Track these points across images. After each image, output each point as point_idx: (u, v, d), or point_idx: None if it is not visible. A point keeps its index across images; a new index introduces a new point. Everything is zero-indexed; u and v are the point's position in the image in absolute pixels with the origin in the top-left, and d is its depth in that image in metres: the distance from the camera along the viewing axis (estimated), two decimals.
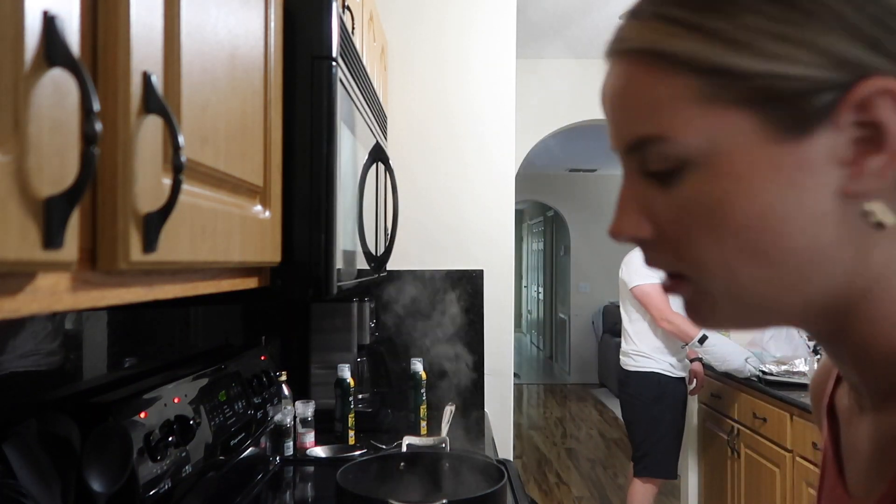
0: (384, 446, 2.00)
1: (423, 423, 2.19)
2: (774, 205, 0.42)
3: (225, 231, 0.67)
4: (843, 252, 0.43)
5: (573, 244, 8.48)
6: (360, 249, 1.29)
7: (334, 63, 0.97)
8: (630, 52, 0.46)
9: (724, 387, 3.35)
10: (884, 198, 0.42)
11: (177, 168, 0.49)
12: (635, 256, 3.09)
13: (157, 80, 0.49)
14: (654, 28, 0.44)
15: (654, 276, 3.40)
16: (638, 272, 3.10)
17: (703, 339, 3.07)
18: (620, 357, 3.36)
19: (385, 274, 2.14)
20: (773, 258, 0.43)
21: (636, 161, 0.47)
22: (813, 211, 0.42)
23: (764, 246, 0.43)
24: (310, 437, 1.98)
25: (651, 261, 0.48)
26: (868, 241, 0.43)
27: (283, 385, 1.86)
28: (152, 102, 0.49)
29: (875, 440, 0.49)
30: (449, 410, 2.01)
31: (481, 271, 2.53)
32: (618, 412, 6.92)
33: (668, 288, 0.48)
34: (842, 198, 0.42)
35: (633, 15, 0.47)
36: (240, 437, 1.40)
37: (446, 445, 1.74)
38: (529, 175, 7.40)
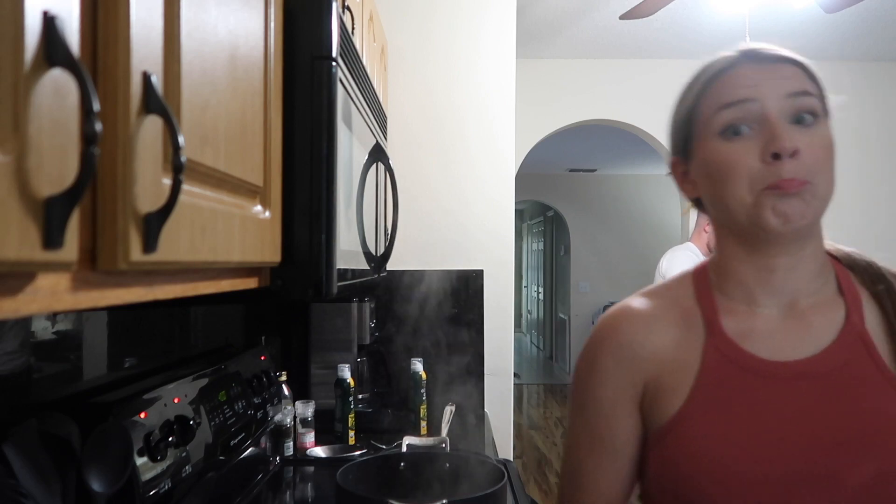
0: (384, 446, 2.00)
1: (423, 423, 2.19)
2: (835, 160, 0.77)
3: (225, 231, 0.67)
4: None
5: (573, 244, 8.48)
6: (360, 249, 1.29)
7: (334, 63, 0.97)
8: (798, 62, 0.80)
9: None
10: None
11: (177, 168, 0.49)
12: (680, 253, 3.11)
13: (157, 80, 0.49)
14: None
15: None
16: (682, 269, 3.14)
17: None
18: None
19: (385, 274, 2.14)
20: (831, 179, 0.76)
21: (790, 106, 0.75)
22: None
23: (833, 171, 0.76)
24: (310, 438, 1.98)
25: (789, 171, 0.72)
26: None
27: (283, 385, 1.86)
28: (152, 102, 0.49)
29: (798, 309, 0.80)
30: (449, 410, 2.01)
31: (481, 271, 2.53)
32: None
33: (797, 184, 0.72)
34: None
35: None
36: (240, 437, 1.40)
37: (446, 445, 1.74)
38: (529, 175, 7.40)
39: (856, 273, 0.83)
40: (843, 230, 4.07)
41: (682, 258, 3.08)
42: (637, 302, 0.87)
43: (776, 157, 0.72)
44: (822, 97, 0.79)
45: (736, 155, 0.75)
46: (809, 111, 0.75)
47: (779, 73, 0.77)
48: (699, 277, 0.86)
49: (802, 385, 0.76)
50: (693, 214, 3.41)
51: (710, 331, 0.80)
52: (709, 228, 3.14)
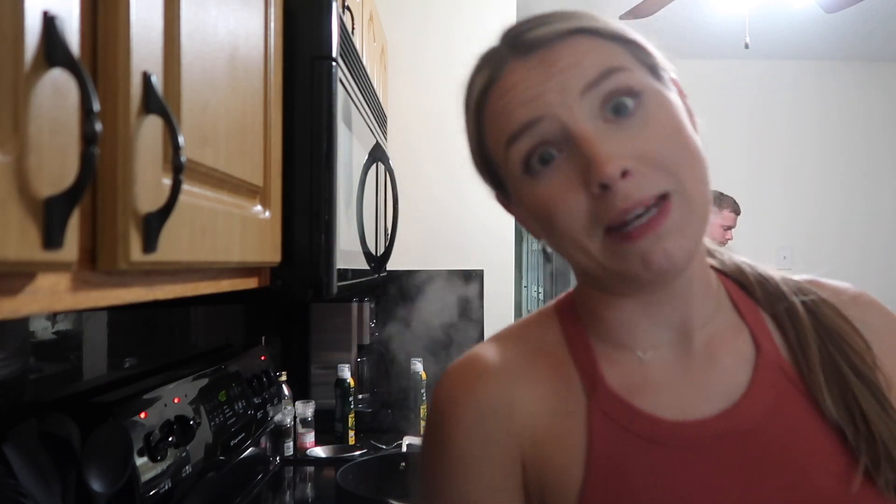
0: (384, 446, 2.00)
1: (423, 423, 2.19)
2: (692, 135, 0.57)
3: (225, 231, 0.67)
4: None
5: None
6: (360, 249, 1.29)
7: (334, 63, 0.97)
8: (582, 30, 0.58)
9: None
10: None
11: (177, 168, 0.49)
12: None
13: (157, 80, 0.49)
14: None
15: None
16: None
17: None
18: None
19: (385, 274, 2.14)
20: (703, 161, 0.57)
21: (597, 99, 0.55)
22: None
23: (698, 154, 0.57)
24: (310, 437, 1.98)
25: (625, 197, 0.52)
26: None
27: (283, 385, 1.86)
28: (152, 102, 0.49)
29: (695, 356, 0.61)
30: None
31: (481, 271, 2.53)
32: None
33: (660, 212, 0.53)
34: None
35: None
36: (240, 437, 1.40)
37: None
38: None
39: (748, 290, 0.65)
40: (848, 233, 4.06)
41: None
42: (490, 351, 0.64)
43: (604, 188, 0.52)
44: (640, 58, 0.57)
45: (554, 192, 0.55)
46: (627, 91, 0.54)
47: (562, 59, 0.55)
48: (565, 316, 0.66)
49: (724, 449, 0.56)
50: None
51: (590, 388, 0.60)
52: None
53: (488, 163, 0.62)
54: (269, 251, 0.84)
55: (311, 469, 1.90)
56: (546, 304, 0.69)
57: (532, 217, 0.59)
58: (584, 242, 0.55)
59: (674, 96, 0.58)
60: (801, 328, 0.61)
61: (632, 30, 0.60)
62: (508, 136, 0.56)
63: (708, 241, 0.64)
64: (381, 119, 1.80)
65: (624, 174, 0.52)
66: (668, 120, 0.56)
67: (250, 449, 1.56)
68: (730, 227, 3.02)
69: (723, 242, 2.94)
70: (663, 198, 0.53)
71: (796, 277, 0.66)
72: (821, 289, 0.65)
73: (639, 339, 0.61)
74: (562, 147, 0.55)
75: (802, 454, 0.56)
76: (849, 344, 0.60)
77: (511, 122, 0.56)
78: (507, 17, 2.58)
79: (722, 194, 2.99)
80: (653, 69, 0.58)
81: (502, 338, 0.66)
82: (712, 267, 0.65)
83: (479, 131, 0.62)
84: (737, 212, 3.02)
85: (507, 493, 0.60)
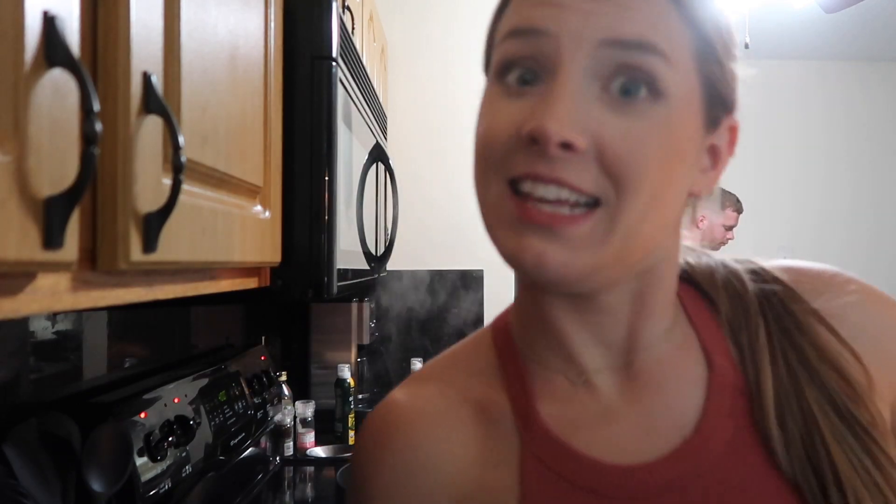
0: None
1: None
2: (685, 172, 0.47)
3: (225, 231, 0.67)
4: (675, 228, 0.51)
5: None
6: (360, 249, 1.29)
7: (334, 63, 0.97)
8: None
9: None
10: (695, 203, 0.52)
11: (177, 168, 0.49)
12: None
13: (157, 81, 0.49)
14: None
15: None
16: None
17: None
18: None
19: (385, 274, 2.14)
20: (667, 211, 0.47)
21: (607, 62, 0.44)
22: (683, 192, 0.49)
23: (670, 198, 0.47)
24: (310, 437, 1.98)
25: (563, 171, 0.43)
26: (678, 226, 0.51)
27: (283, 385, 1.86)
28: (152, 102, 0.49)
29: (641, 383, 0.50)
30: None
31: (482, 271, 2.53)
32: None
33: (572, 216, 0.44)
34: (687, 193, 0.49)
35: None
36: (240, 437, 1.40)
37: None
38: None
39: (701, 290, 0.54)
40: (850, 232, 4.05)
41: None
42: (406, 396, 0.55)
43: (532, 141, 0.43)
44: (707, 70, 0.47)
45: (499, 115, 0.46)
46: (651, 81, 0.44)
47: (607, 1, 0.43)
48: (499, 335, 0.56)
49: (674, 502, 0.47)
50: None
51: (523, 426, 0.50)
52: (704, 224, 3.05)
53: (489, 47, 0.52)
54: (269, 251, 0.84)
55: (311, 469, 1.90)
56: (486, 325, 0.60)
57: (477, 123, 0.50)
58: (489, 180, 0.47)
59: (692, 127, 0.47)
60: (755, 341, 0.50)
61: (737, 43, 0.50)
62: (509, 29, 0.47)
63: (689, 242, 0.57)
64: (381, 119, 1.80)
65: (566, 146, 0.42)
66: (664, 139, 0.44)
67: (250, 449, 1.56)
68: (731, 227, 2.98)
69: (723, 242, 2.93)
70: (587, 206, 0.44)
71: (769, 265, 0.55)
72: (799, 281, 0.53)
73: (575, 358, 0.51)
74: (545, 76, 0.45)
75: None
76: (828, 365, 0.48)
77: (521, 17, 0.47)
78: None
79: (724, 192, 2.94)
80: (713, 100, 0.48)
81: (423, 377, 0.57)
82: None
83: (500, 10, 0.51)
84: (739, 210, 2.97)
85: None
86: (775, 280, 0.53)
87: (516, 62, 0.46)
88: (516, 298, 0.56)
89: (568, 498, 0.47)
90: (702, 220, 2.85)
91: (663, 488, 0.47)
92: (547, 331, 0.51)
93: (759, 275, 0.54)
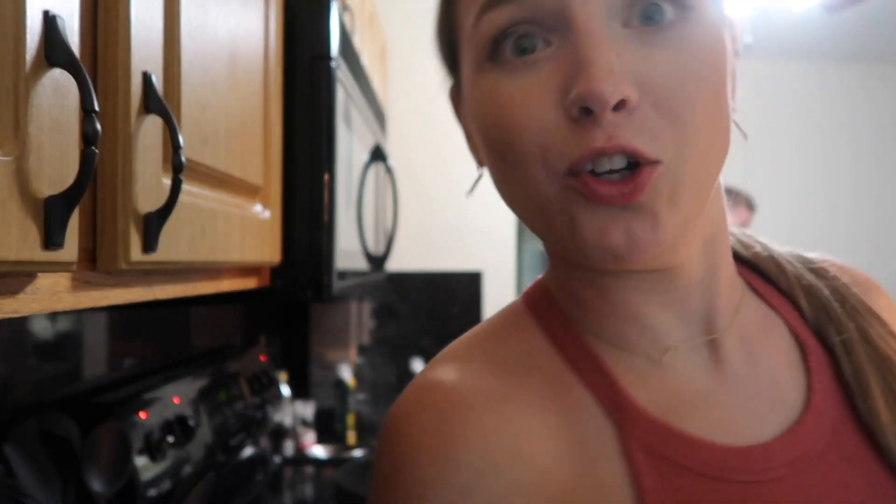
0: None
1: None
2: (728, 107, 0.42)
3: (225, 231, 0.67)
4: (720, 191, 0.47)
5: None
6: (360, 249, 1.29)
7: (334, 63, 0.97)
8: None
9: None
10: None
11: (177, 168, 0.49)
12: None
13: (157, 80, 0.49)
14: None
15: None
16: None
17: None
18: None
19: (385, 274, 2.14)
20: (722, 156, 0.42)
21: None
22: (729, 136, 0.43)
23: (722, 139, 0.41)
24: (310, 437, 1.98)
25: (624, 134, 0.37)
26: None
27: (283, 385, 1.86)
28: (152, 102, 0.49)
29: (733, 358, 0.46)
30: None
31: (481, 272, 2.53)
32: None
33: (637, 177, 0.37)
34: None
35: None
36: (240, 438, 1.40)
37: None
38: None
39: (772, 279, 0.51)
40: (851, 233, 4.05)
41: None
42: (455, 374, 0.44)
43: (585, 111, 0.37)
44: None
45: (519, 95, 0.39)
46: None
47: None
48: (542, 313, 0.48)
49: (801, 481, 0.42)
50: None
51: (617, 412, 0.43)
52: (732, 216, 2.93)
53: (451, 37, 0.46)
54: (269, 251, 0.84)
55: (311, 469, 1.90)
56: (509, 305, 0.52)
57: (479, 126, 0.43)
58: (538, 180, 0.39)
59: (727, 39, 0.42)
60: (840, 324, 0.48)
61: None
62: (484, 1, 0.40)
63: (734, 229, 0.52)
64: (381, 119, 1.80)
65: (620, 105, 0.36)
66: (709, 57, 0.39)
67: (250, 449, 1.56)
68: (744, 226, 2.90)
69: None
70: (652, 163, 0.38)
71: (812, 255, 0.53)
72: (851, 277, 0.52)
73: (657, 338, 0.45)
74: (551, 37, 0.39)
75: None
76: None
77: None
78: None
79: (736, 191, 2.84)
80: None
81: (463, 354, 0.47)
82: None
83: None
84: (752, 208, 2.86)
85: None
86: (828, 270, 0.51)
87: (509, 31, 0.39)
88: (557, 278, 0.49)
89: (693, 487, 0.41)
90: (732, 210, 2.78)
91: (788, 468, 0.42)
92: (620, 313, 0.45)
93: (812, 262, 0.53)
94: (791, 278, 0.50)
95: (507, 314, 0.51)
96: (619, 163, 0.38)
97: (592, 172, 0.38)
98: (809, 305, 0.49)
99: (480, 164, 0.49)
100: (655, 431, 0.42)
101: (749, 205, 2.86)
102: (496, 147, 0.41)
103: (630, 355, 0.45)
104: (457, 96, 0.50)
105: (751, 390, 0.45)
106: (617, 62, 0.37)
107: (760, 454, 0.42)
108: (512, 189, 0.43)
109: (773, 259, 0.52)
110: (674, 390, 0.44)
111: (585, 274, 0.46)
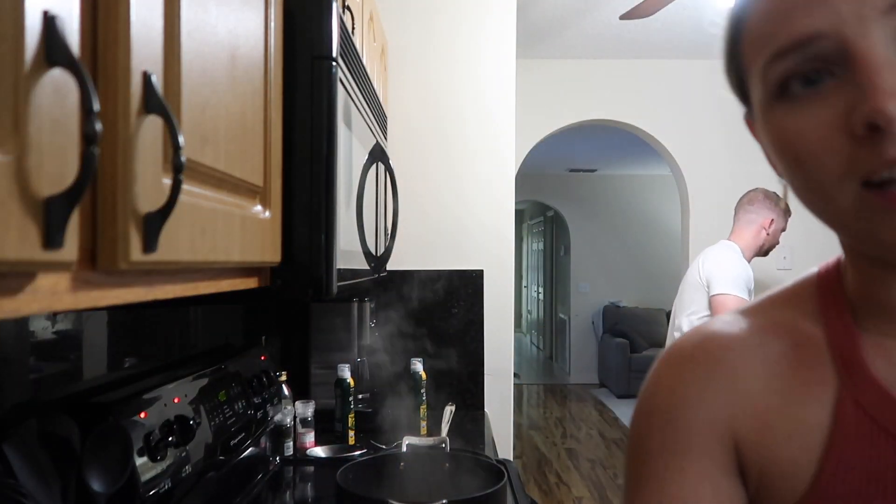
0: (384, 446, 2.00)
1: (423, 423, 2.19)
2: None
3: (225, 231, 0.67)
4: None
5: (573, 244, 8.48)
6: (360, 249, 1.29)
7: (334, 63, 0.97)
8: None
9: None
10: None
11: (177, 168, 0.49)
12: (724, 256, 2.66)
13: (157, 80, 0.49)
14: None
15: (745, 290, 2.95)
16: (733, 280, 2.60)
17: None
18: None
19: (385, 274, 2.14)
20: None
21: None
22: None
23: None
24: (310, 437, 1.98)
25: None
26: None
27: (283, 385, 1.86)
28: (152, 102, 0.49)
29: None
30: (449, 410, 2.01)
31: (481, 271, 2.53)
32: (618, 412, 6.92)
33: None
34: None
35: None
36: (240, 437, 1.40)
37: (446, 445, 1.74)
38: (529, 175, 7.40)
39: None
40: None
41: (729, 257, 2.62)
42: (723, 325, 0.57)
43: (873, 128, 0.40)
44: None
45: (807, 126, 0.44)
46: None
47: None
48: (827, 290, 0.55)
49: None
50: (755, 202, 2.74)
51: (846, 373, 0.50)
52: (772, 228, 2.85)
53: (738, 72, 0.51)
54: (269, 251, 0.84)
55: (311, 469, 1.90)
56: (807, 273, 0.58)
57: (776, 154, 0.48)
58: (833, 194, 0.44)
59: None
60: None
61: None
62: (774, 52, 0.45)
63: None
64: (381, 119, 1.80)
65: None
66: None
67: (250, 449, 1.56)
68: (783, 231, 2.82)
69: (775, 244, 2.78)
70: None
71: None
72: None
73: None
74: (835, 70, 0.43)
75: None
76: None
77: (781, 33, 0.44)
78: (507, 17, 2.57)
79: (777, 195, 2.78)
80: None
81: (742, 312, 0.58)
82: None
83: (736, 26, 0.50)
84: (789, 214, 2.81)
85: (722, 475, 0.52)
86: None
87: (795, 73, 0.44)
88: (849, 268, 0.54)
89: (883, 447, 0.47)
90: (771, 223, 2.72)
91: None
92: (891, 311, 0.50)
93: None
94: None
95: (795, 285, 0.58)
96: None
97: (885, 183, 0.42)
98: None
99: (780, 176, 0.53)
100: (874, 394, 0.48)
101: (787, 210, 2.81)
102: (791, 172, 0.47)
103: (888, 341, 0.50)
104: (751, 121, 0.54)
105: None
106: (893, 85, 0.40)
107: None
108: (811, 203, 0.48)
109: None
110: None
111: (873, 273, 0.50)
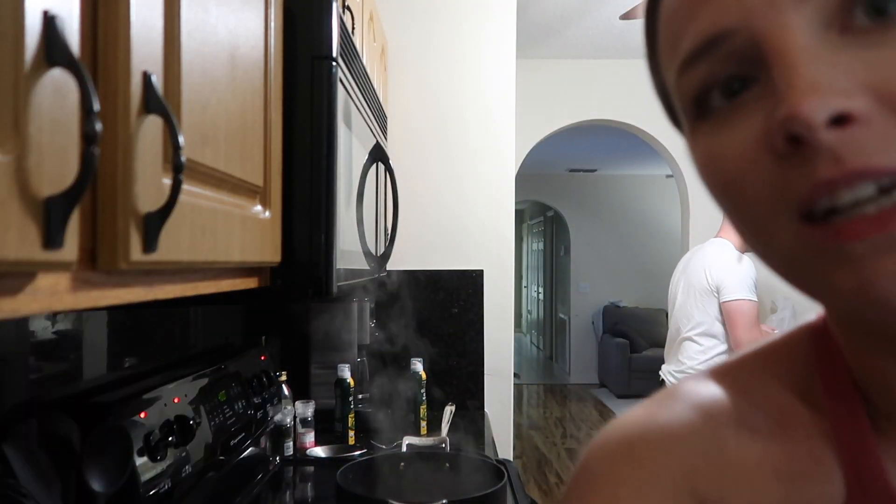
0: (384, 446, 2.00)
1: (423, 423, 2.19)
2: None
3: (225, 231, 0.67)
4: None
5: (573, 244, 8.49)
6: (360, 249, 1.29)
7: (334, 63, 0.97)
8: None
9: None
10: None
11: (177, 168, 0.49)
12: (729, 258, 2.57)
13: (157, 80, 0.49)
14: None
15: (754, 290, 2.92)
16: (745, 284, 2.52)
17: None
18: (667, 375, 2.75)
19: (385, 274, 2.14)
20: None
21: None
22: None
23: None
24: (310, 437, 1.98)
25: (855, 152, 0.29)
26: None
27: (283, 385, 1.86)
28: (152, 102, 0.49)
29: None
30: (449, 410, 2.01)
31: (481, 271, 2.53)
32: (618, 412, 6.92)
33: (865, 226, 0.30)
34: None
35: None
36: (240, 437, 1.40)
37: (446, 445, 1.74)
38: (529, 175, 7.41)
39: None
40: None
41: (720, 254, 2.57)
42: (708, 389, 0.45)
43: (794, 141, 0.30)
44: None
45: (728, 148, 0.34)
46: None
47: None
48: (826, 356, 0.42)
49: None
50: None
51: (853, 479, 0.38)
52: None
53: (665, 96, 0.42)
54: (269, 251, 0.84)
55: (311, 469, 1.90)
56: (799, 326, 0.46)
57: (705, 186, 0.38)
58: (771, 233, 0.34)
59: None
60: None
61: None
62: (680, 61, 0.36)
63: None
64: (381, 119, 1.80)
65: (840, 121, 0.29)
66: None
67: (250, 449, 1.56)
68: None
69: None
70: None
71: None
72: None
73: None
74: (758, 74, 0.33)
75: None
76: None
77: (687, 33, 0.35)
78: (507, 17, 2.57)
79: None
80: None
81: (717, 372, 0.46)
82: None
83: (652, 42, 0.40)
84: None
85: None
86: None
87: (711, 85, 0.35)
88: (846, 342, 0.41)
89: None
90: None
91: None
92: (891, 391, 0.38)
93: None
94: None
95: (789, 343, 0.46)
96: (865, 191, 0.30)
97: (827, 214, 0.31)
98: None
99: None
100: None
101: None
102: (724, 209, 0.37)
103: None
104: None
105: None
106: (829, 74, 0.30)
107: None
108: (753, 247, 0.37)
109: None
110: None
111: (869, 339, 0.38)
